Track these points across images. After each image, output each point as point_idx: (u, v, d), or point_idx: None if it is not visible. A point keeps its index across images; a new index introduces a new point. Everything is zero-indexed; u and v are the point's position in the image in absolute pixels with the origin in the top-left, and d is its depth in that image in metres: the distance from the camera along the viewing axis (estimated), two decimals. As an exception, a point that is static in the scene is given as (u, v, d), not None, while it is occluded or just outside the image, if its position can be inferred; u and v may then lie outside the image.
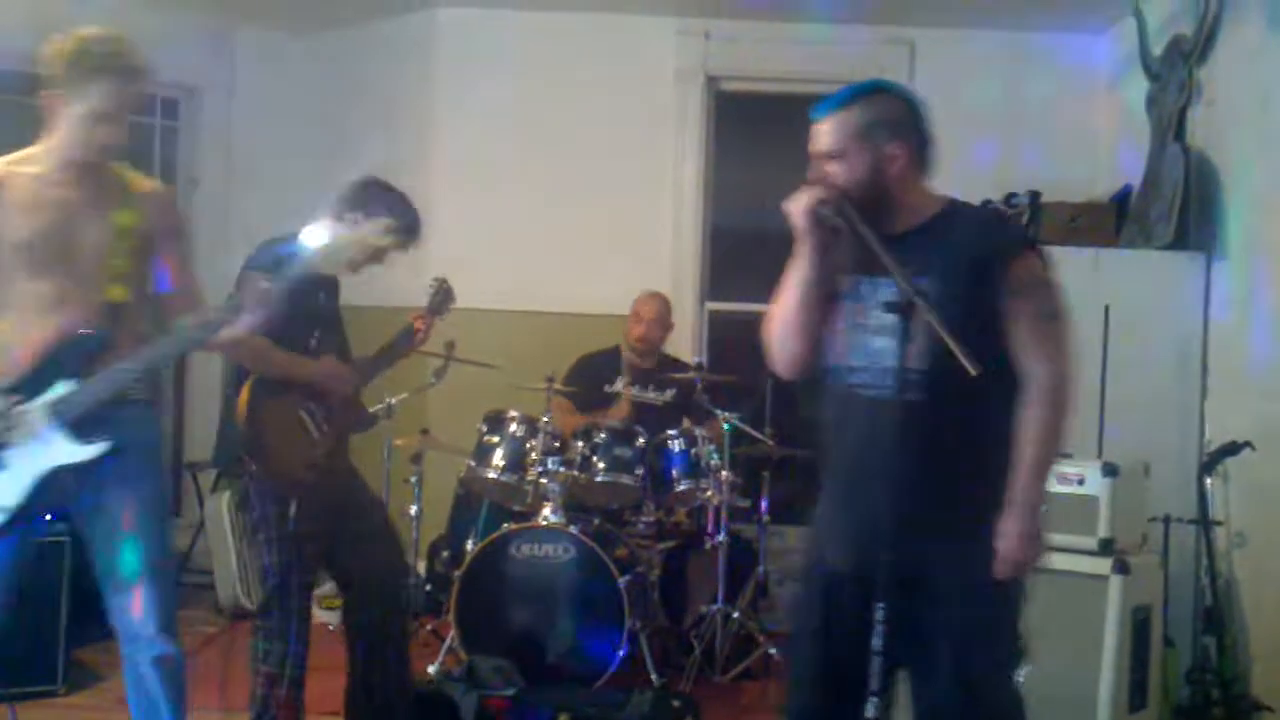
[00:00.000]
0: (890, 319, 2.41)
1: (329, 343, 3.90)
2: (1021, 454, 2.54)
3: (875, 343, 2.55)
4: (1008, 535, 2.50)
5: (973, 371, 2.25)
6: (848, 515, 2.64)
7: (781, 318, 2.68)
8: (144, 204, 3.18)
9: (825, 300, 2.64)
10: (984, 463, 2.56)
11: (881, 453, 2.42)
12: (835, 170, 2.56)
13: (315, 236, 3.05)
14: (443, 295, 4.23)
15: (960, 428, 2.52)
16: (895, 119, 2.60)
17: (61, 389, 3.01)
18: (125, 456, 3.09)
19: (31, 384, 3.01)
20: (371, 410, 4.48)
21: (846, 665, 2.46)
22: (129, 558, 3.15)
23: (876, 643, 2.29)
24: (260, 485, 3.76)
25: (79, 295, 3.06)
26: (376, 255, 3.59)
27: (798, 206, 2.56)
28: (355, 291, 4.02)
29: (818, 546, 2.75)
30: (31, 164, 3.07)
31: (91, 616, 5.04)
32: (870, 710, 2.29)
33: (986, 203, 5.71)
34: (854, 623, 2.45)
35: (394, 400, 5.06)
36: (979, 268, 2.53)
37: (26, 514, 3.04)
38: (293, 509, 3.69)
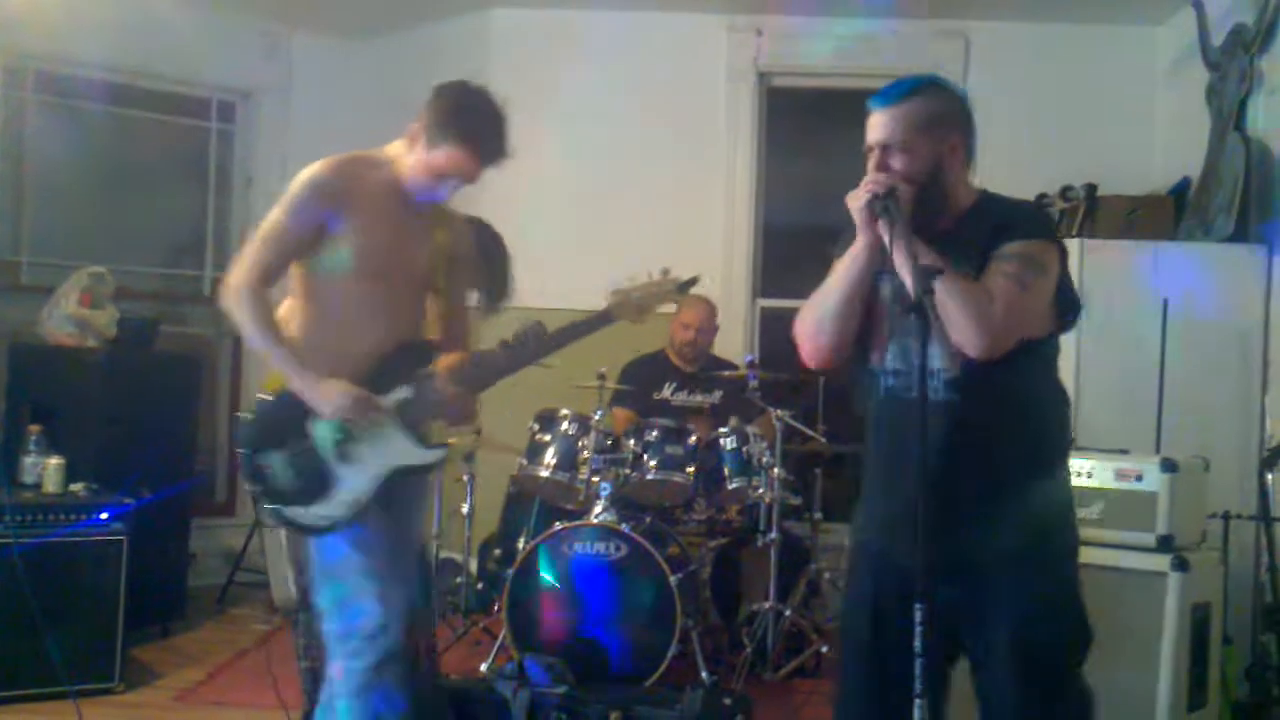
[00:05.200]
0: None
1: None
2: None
3: (914, 345, 2.52)
4: None
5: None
6: (887, 514, 2.62)
7: (819, 308, 2.64)
8: (453, 228, 3.24)
9: (864, 297, 2.61)
10: (1025, 450, 2.56)
11: (920, 453, 2.39)
12: (897, 162, 2.53)
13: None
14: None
15: (996, 422, 2.52)
16: (953, 112, 2.59)
17: (403, 393, 3.03)
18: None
19: (371, 387, 3.00)
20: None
21: (897, 669, 2.43)
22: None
23: (918, 644, 2.27)
24: None
25: (407, 305, 3.11)
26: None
27: (856, 200, 2.52)
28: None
29: (860, 550, 2.74)
30: (376, 169, 3.06)
31: (147, 615, 5.14)
32: (917, 713, 2.26)
33: (1041, 196, 5.66)
34: (902, 627, 2.40)
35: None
36: (988, 251, 2.50)
37: (365, 509, 3.02)
38: None
